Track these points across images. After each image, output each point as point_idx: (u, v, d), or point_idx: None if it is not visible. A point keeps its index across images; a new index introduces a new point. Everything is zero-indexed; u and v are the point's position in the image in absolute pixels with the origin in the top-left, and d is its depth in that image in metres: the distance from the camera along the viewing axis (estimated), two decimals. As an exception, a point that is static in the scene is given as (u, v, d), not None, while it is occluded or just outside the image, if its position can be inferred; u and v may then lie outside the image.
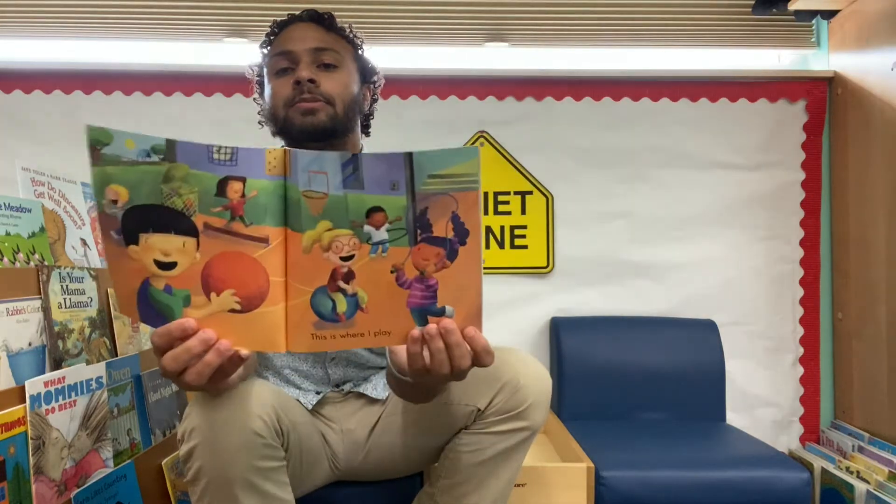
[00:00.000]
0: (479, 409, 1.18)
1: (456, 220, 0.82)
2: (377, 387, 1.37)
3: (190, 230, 0.81)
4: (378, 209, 0.82)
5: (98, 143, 0.77)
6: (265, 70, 1.34)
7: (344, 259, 0.83)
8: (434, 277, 0.83)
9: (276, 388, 1.13)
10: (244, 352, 0.85)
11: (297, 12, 1.36)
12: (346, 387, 1.38)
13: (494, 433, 1.17)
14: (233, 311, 0.82)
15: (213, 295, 0.83)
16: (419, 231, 0.82)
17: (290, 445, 1.13)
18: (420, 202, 0.81)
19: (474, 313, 0.85)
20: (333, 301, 0.84)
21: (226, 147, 0.80)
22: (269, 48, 1.34)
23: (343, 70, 1.31)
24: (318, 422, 1.32)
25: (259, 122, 1.44)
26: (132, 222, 0.80)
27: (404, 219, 0.82)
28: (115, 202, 0.79)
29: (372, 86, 1.43)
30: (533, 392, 1.16)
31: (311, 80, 1.24)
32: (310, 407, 1.32)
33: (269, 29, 1.37)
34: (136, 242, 0.80)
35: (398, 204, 0.81)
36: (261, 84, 1.39)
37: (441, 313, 0.85)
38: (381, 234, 0.82)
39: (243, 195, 0.80)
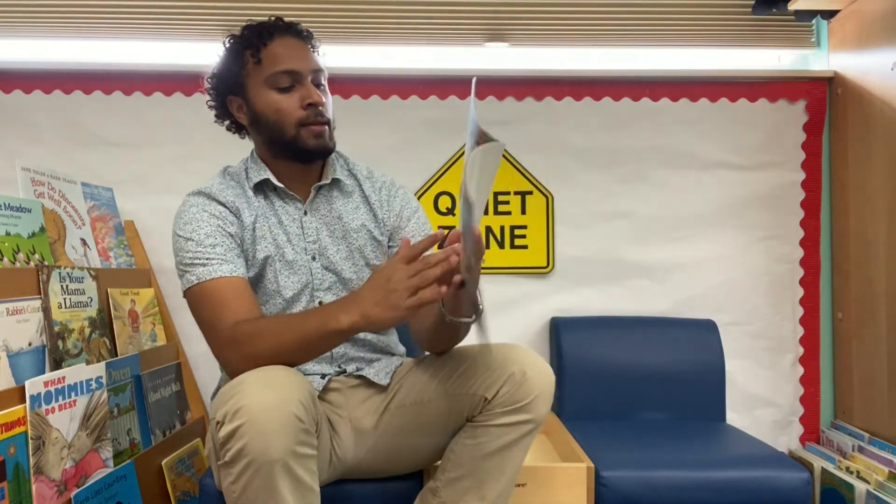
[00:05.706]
0: (486, 399, 1.23)
1: None
2: (379, 372, 1.40)
3: None
4: None
5: None
6: (247, 74, 1.38)
7: None
8: None
9: (308, 380, 1.18)
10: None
11: (274, 19, 1.41)
12: (350, 368, 1.40)
13: (498, 426, 1.22)
14: None
15: None
16: None
17: (320, 437, 1.17)
18: None
19: None
20: None
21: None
22: (254, 53, 1.36)
23: (327, 88, 1.41)
24: (325, 408, 1.34)
25: (217, 118, 1.48)
26: None
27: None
28: None
29: None
30: (538, 385, 1.22)
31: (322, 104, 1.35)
32: (319, 390, 1.35)
33: (247, 31, 1.40)
34: None
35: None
36: (231, 85, 1.41)
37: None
38: None
39: None
